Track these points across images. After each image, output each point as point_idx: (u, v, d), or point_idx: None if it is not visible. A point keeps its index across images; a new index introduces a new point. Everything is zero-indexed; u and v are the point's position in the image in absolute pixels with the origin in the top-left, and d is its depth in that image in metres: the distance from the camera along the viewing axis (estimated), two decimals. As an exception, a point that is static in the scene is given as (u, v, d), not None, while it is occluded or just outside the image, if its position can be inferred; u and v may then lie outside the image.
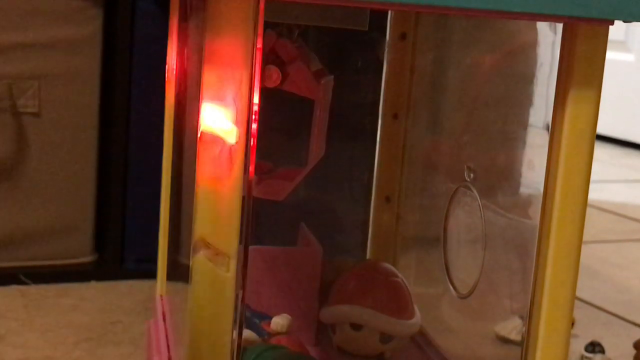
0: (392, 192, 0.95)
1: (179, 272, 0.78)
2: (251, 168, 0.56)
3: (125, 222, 1.24)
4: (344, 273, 0.84)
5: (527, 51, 0.75)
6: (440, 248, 0.82)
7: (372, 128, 0.96)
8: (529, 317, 0.61)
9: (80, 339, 1.02)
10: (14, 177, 1.19)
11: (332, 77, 0.77)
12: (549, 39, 0.63)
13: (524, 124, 0.75)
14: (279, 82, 0.70)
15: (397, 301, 0.81)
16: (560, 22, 0.57)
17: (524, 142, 0.75)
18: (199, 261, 0.54)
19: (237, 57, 0.52)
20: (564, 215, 0.58)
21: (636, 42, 2.68)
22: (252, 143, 0.55)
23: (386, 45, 0.94)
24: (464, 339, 0.83)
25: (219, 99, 0.53)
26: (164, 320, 0.85)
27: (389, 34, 0.93)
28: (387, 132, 0.95)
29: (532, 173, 0.69)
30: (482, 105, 0.82)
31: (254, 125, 0.55)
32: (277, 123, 0.79)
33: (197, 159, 0.54)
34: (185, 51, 0.82)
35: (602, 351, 1.05)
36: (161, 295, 0.93)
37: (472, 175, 0.78)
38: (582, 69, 0.57)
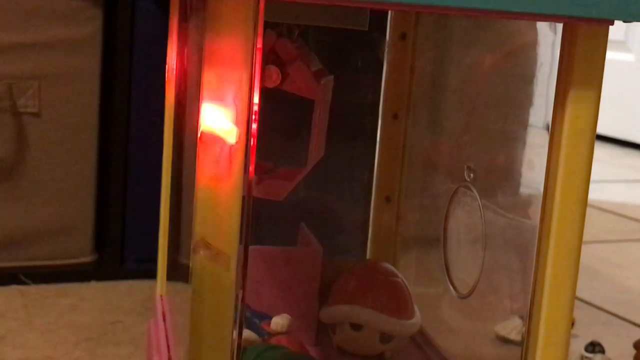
0: (392, 192, 0.95)
1: (179, 272, 0.78)
2: (251, 168, 0.56)
3: (125, 222, 1.24)
4: (344, 273, 0.84)
5: (527, 51, 0.75)
6: (440, 248, 0.82)
7: (372, 128, 0.96)
8: (529, 317, 0.61)
9: (80, 339, 1.02)
10: (14, 177, 1.19)
11: (332, 77, 0.77)
12: (549, 39, 0.63)
13: (524, 124, 0.75)
14: (279, 82, 0.70)
15: (397, 301, 0.81)
16: (560, 22, 0.57)
17: (524, 142, 0.74)
18: (199, 261, 0.54)
19: (237, 57, 0.52)
20: (564, 215, 0.58)
21: (636, 42, 2.68)
22: (252, 143, 0.55)
23: (386, 45, 0.94)
24: (464, 339, 0.83)
25: (219, 99, 0.53)
26: (164, 320, 0.85)
27: (389, 34, 0.93)
28: (387, 132, 0.95)
29: (532, 173, 0.69)
30: (482, 105, 0.82)
31: (254, 125, 0.55)
32: (277, 123, 0.79)
33: (197, 159, 0.53)
34: (185, 51, 0.82)
35: (602, 351, 1.05)
36: (161, 295, 0.93)
37: (472, 175, 0.78)
38: (582, 69, 0.57)
